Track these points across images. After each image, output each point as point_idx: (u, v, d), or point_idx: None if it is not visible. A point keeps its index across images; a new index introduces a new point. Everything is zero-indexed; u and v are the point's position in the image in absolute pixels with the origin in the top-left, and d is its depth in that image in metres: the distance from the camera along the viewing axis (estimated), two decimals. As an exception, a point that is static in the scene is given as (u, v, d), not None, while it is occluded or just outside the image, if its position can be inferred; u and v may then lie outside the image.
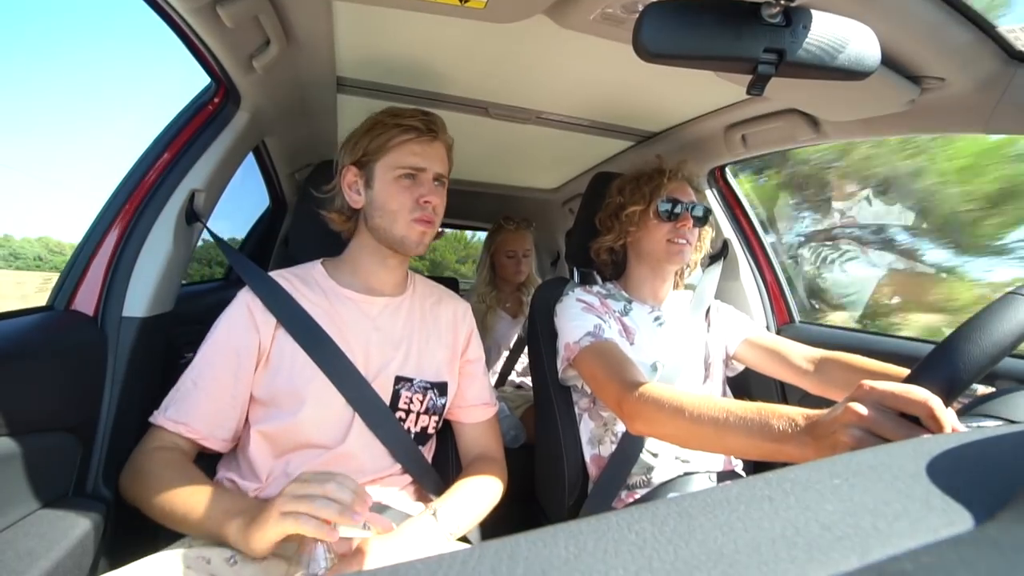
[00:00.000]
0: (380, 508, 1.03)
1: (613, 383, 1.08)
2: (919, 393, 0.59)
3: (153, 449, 0.99)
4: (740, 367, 1.48)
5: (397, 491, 1.09)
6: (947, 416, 0.58)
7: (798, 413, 0.74)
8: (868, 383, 0.65)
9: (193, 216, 1.22)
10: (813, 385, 1.24)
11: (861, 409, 0.62)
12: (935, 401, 0.58)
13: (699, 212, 1.37)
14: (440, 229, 1.27)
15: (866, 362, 1.15)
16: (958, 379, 0.62)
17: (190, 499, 0.88)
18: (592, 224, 1.51)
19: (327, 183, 1.21)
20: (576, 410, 1.39)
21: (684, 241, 1.35)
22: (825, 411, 0.69)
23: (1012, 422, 0.62)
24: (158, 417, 1.01)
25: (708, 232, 1.45)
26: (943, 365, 0.64)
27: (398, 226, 1.11)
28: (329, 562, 0.79)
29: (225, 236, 1.26)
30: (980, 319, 0.65)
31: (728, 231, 1.85)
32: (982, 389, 0.86)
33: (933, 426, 0.58)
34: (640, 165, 1.45)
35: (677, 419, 0.89)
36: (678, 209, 1.34)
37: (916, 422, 0.60)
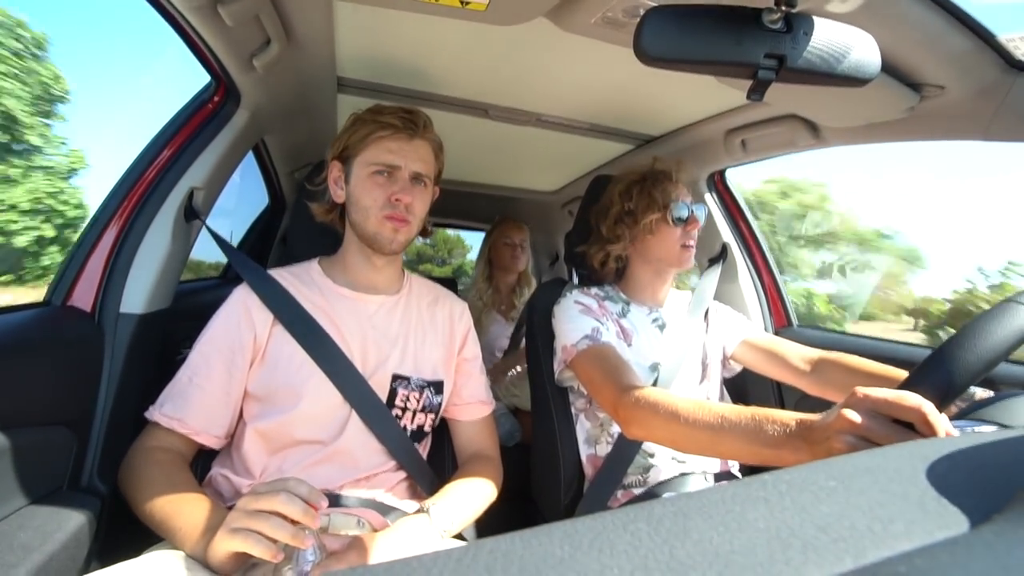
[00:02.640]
0: (384, 509, 1.03)
1: (609, 387, 1.08)
2: (912, 399, 0.60)
3: (147, 448, 0.98)
4: (738, 368, 1.48)
5: (392, 488, 1.09)
6: (941, 422, 0.58)
7: (792, 418, 0.74)
8: (861, 390, 0.65)
9: (192, 213, 1.22)
10: (811, 386, 1.24)
11: (854, 416, 0.62)
12: (928, 407, 0.58)
13: (701, 213, 1.37)
14: (430, 229, 1.27)
15: (864, 363, 1.15)
16: (952, 385, 0.63)
17: (168, 506, 0.87)
18: (590, 227, 1.50)
19: (317, 179, 1.22)
20: (573, 410, 1.39)
21: (692, 244, 1.35)
22: (819, 416, 0.69)
23: (1006, 427, 0.62)
24: (154, 413, 1.00)
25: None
26: (938, 371, 0.64)
27: (370, 222, 1.10)
28: (318, 557, 0.79)
29: (223, 233, 1.26)
30: (976, 326, 0.65)
31: (727, 235, 1.86)
32: (980, 393, 0.86)
33: (927, 432, 0.58)
34: (639, 167, 1.43)
35: (672, 424, 0.89)
36: (688, 212, 1.34)
37: (910, 428, 0.60)
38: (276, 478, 0.95)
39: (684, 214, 1.34)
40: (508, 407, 2.29)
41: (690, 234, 1.35)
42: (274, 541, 0.76)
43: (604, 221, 1.45)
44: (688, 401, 0.90)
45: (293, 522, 0.77)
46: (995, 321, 0.65)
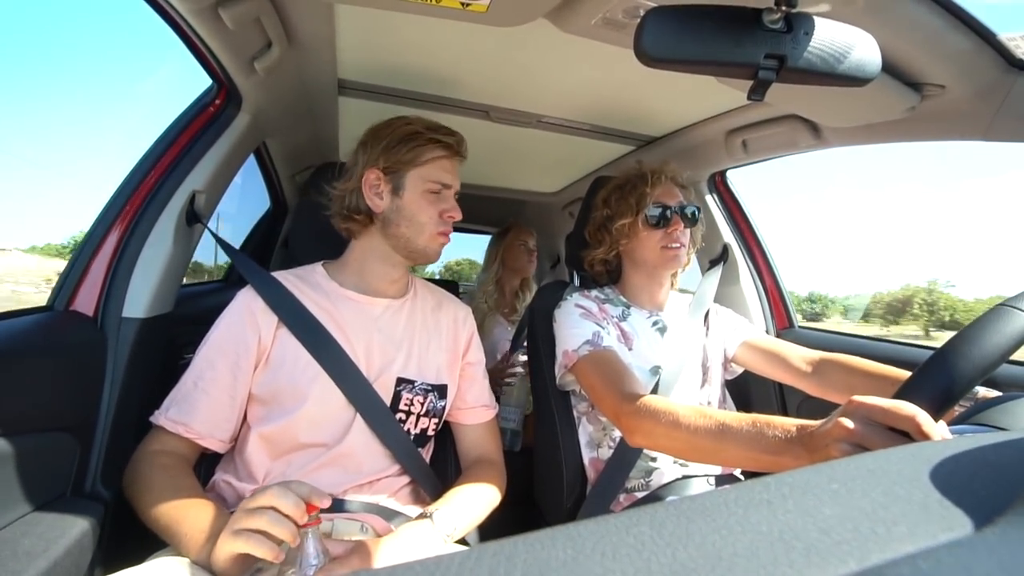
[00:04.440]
0: (388, 514, 1.03)
1: (611, 395, 1.08)
2: (907, 408, 0.60)
3: (152, 452, 0.98)
4: (739, 370, 1.48)
5: (395, 492, 1.09)
6: (936, 430, 0.58)
7: (793, 424, 0.74)
8: (858, 398, 0.65)
9: (194, 217, 1.22)
10: (813, 387, 1.24)
11: (850, 424, 0.63)
12: (923, 416, 0.58)
13: (689, 212, 1.35)
14: None
15: (866, 364, 1.15)
16: (948, 393, 0.62)
17: (173, 511, 0.87)
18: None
19: (330, 183, 1.19)
20: (575, 413, 1.39)
21: (678, 245, 1.33)
22: (819, 423, 0.70)
23: (1003, 431, 0.62)
24: (159, 417, 1.00)
25: (700, 229, 1.44)
26: (932, 379, 0.64)
27: (423, 237, 1.13)
28: (321, 561, 0.79)
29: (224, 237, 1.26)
30: (970, 332, 0.64)
31: (728, 236, 1.86)
32: (984, 392, 0.85)
33: (922, 440, 0.58)
34: (623, 172, 1.44)
35: (674, 433, 0.90)
36: (667, 214, 1.33)
37: (906, 436, 0.60)
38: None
39: (655, 215, 1.33)
40: (525, 414, 2.23)
41: (672, 235, 1.33)
42: (277, 541, 0.76)
43: (587, 225, 1.48)
44: (689, 409, 0.91)
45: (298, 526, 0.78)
46: (989, 327, 0.64)
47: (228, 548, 0.77)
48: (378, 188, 1.13)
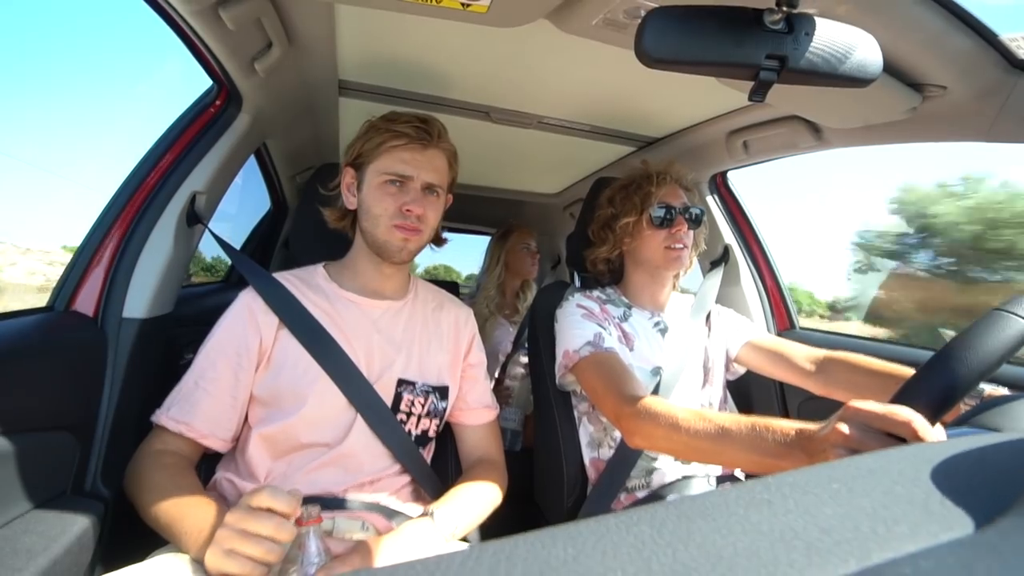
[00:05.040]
0: (389, 513, 1.03)
1: (611, 397, 1.08)
2: (904, 413, 0.60)
3: (153, 451, 0.98)
4: (742, 371, 1.48)
5: (396, 492, 1.09)
6: (932, 434, 0.58)
7: (792, 427, 0.75)
8: (855, 403, 0.65)
9: (194, 218, 1.23)
10: (817, 386, 1.24)
11: (846, 430, 0.63)
12: (920, 421, 0.59)
13: (693, 213, 1.36)
14: (445, 237, 1.27)
15: (869, 361, 1.14)
16: (945, 397, 0.62)
17: (174, 510, 0.87)
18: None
19: (331, 183, 1.21)
20: (575, 413, 1.39)
21: (681, 246, 1.34)
22: (817, 426, 0.70)
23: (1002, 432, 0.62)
24: (160, 416, 1.00)
25: (703, 231, 1.44)
26: (929, 384, 0.64)
27: (380, 231, 1.11)
28: (322, 560, 0.79)
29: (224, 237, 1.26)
30: (966, 337, 0.64)
31: (729, 236, 1.86)
32: (990, 390, 0.85)
33: None
34: (628, 172, 1.44)
35: (674, 435, 0.90)
36: (671, 215, 1.33)
37: (903, 442, 0.60)
38: (281, 482, 0.96)
39: (660, 215, 1.33)
40: (525, 414, 2.24)
41: (676, 236, 1.33)
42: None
43: (591, 225, 1.48)
44: (689, 412, 0.91)
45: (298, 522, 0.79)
46: (984, 331, 0.64)
47: (217, 566, 0.77)
48: (352, 186, 1.15)
